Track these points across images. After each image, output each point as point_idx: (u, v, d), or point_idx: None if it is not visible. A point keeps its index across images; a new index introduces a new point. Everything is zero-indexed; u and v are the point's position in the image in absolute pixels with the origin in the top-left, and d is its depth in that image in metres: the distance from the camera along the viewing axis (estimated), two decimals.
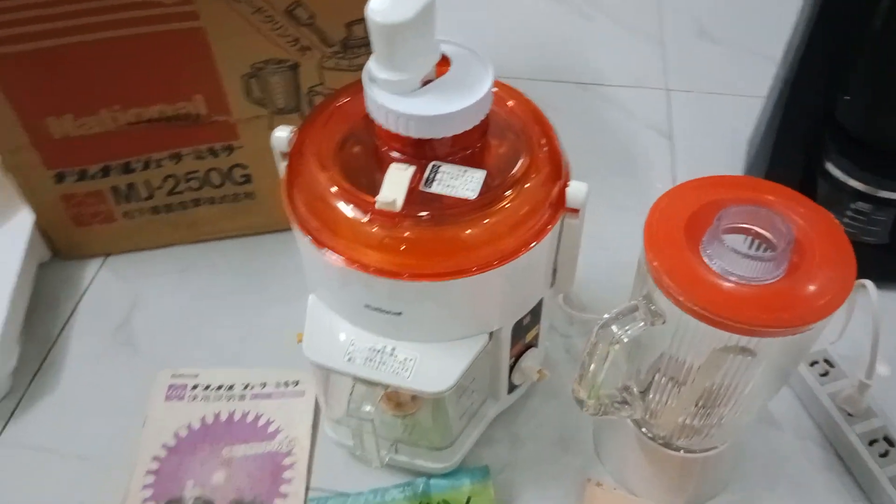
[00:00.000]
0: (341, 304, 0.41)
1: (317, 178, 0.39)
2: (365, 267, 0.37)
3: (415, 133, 0.37)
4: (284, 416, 0.51)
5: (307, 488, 0.48)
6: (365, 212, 0.37)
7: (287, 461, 0.49)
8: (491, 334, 0.42)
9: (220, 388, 0.53)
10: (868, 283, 0.42)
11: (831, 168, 0.54)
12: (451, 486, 0.47)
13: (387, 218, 0.36)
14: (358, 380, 0.40)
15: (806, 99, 0.55)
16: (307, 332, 0.42)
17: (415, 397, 0.46)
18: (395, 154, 0.39)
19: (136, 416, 0.52)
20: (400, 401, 0.46)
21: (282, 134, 0.42)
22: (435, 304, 0.38)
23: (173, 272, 0.61)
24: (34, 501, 0.48)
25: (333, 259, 0.38)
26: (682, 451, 0.43)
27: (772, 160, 0.58)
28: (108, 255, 0.62)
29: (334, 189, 0.38)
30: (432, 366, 0.40)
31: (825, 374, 0.49)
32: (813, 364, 0.50)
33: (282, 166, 0.42)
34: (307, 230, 0.39)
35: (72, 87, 0.51)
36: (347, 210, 0.37)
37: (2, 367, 0.53)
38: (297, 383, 0.53)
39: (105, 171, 0.57)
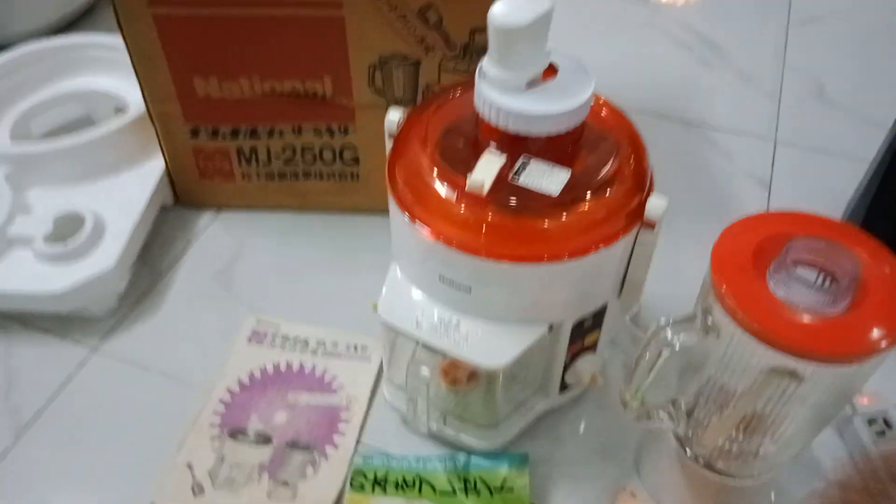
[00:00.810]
0: (419, 275, 0.45)
1: (418, 157, 0.43)
2: (448, 241, 0.41)
3: (512, 127, 0.40)
4: (348, 376, 0.56)
5: (357, 442, 0.52)
6: (455, 192, 0.41)
7: (344, 415, 0.53)
8: (551, 327, 0.44)
9: (296, 340, 0.58)
10: None
11: None
12: (490, 466, 0.50)
13: (473, 199, 0.40)
14: (421, 344, 0.44)
15: None
16: (385, 296, 0.46)
17: (470, 376, 0.49)
18: (491, 147, 0.42)
19: (219, 351, 0.57)
20: (456, 376, 0.49)
21: (394, 116, 0.47)
22: (503, 284, 0.42)
23: (275, 233, 0.67)
24: (119, 406, 0.54)
25: (421, 231, 0.41)
26: (720, 476, 0.44)
27: (864, 223, 0.58)
28: (221, 208, 0.69)
29: (431, 169, 0.42)
30: (491, 343, 0.43)
31: (881, 434, 0.49)
32: (871, 422, 0.50)
33: (389, 145, 0.47)
34: (402, 204, 0.43)
35: (221, 53, 0.58)
36: (440, 188, 0.41)
37: (113, 288, 0.59)
38: (364, 348, 0.58)
39: (234, 133, 0.63)
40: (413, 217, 0.42)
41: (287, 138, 0.63)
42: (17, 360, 0.56)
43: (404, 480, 0.50)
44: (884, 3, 0.97)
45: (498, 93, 0.40)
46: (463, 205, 0.41)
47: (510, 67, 0.40)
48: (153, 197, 0.64)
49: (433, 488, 0.49)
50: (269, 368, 0.56)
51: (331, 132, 0.63)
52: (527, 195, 0.40)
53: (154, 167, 0.66)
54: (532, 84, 0.41)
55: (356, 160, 0.65)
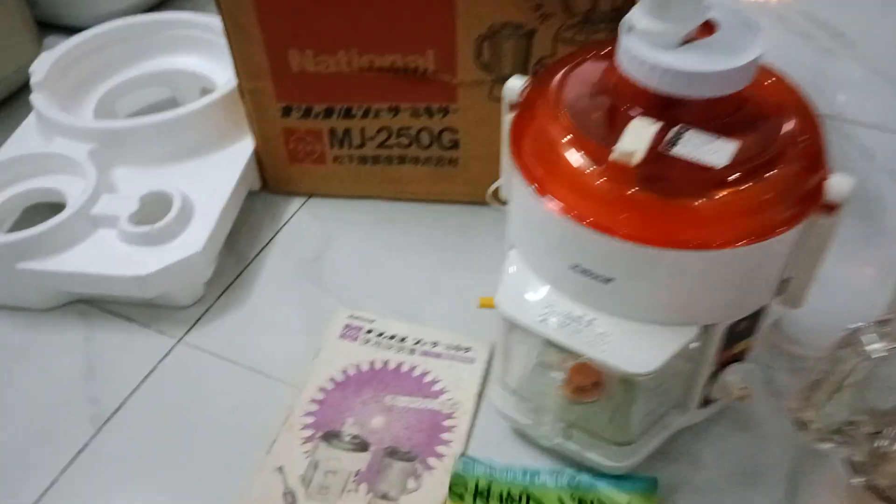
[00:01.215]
0: (545, 264, 0.39)
1: (549, 125, 0.37)
2: (584, 220, 0.35)
3: (669, 88, 0.34)
4: (451, 379, 0.50)
5: (463, 454, 0.46)
6: (597, 162, 0.35)
7: (447, 423, 0.48)
8: (703, 328, 0.38)
9: (392, 337, 0.53)
10: None
11: None
12: (610, 487, 0.43)
13: (619, 171, 0.34)
14: (549, 345, 0.38)
15: None
16: (503, 287, 0.40)
17: (596, 384, 0.42)
18: (636, 113, 0.36)
19: (310, 346, 0.52)
20: (581, 385, 0.42)
21: (515, 83, 0.41)
22: (649, 274, 0.35)
23: (367, 222, 0.62)
24: (204, 401, 0.50)
25: (553, 209, 0.36)
26: None
27: None
28: (310, 195, 0.64)
29: (566, 136, 0.36)
30: (634, 345, 0.36)
31: None
32: None
33: (507, 118, 0.41)
34: (530, 176, 0.37)
35: (319, 24, 0.53)
36: (577, 159, 0.36)
37: (200, 274, 0.56)
38: (468, 349, 0.52)
39: (328, 113, 0.59)
40: (542, 190, 0.36)
41: (383, 119, 0.59)
42: (98, 347, 0.53)
43: (509, 494, 0.44)
44: None
45: (651, 49, 0.34)
46: (605, 177, 0.35)
47: (665, 18, 0.34)
48: (241, 180, 0.60)
49: None
50: (364, 367, 0.51)
51: (429, 113, 0.58)
52: (681, 169, 0.34)
53: (242, 150, 0.62)
54: (687, 41, 0.35)
55: (455, 144, 0.60)
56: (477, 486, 0.45)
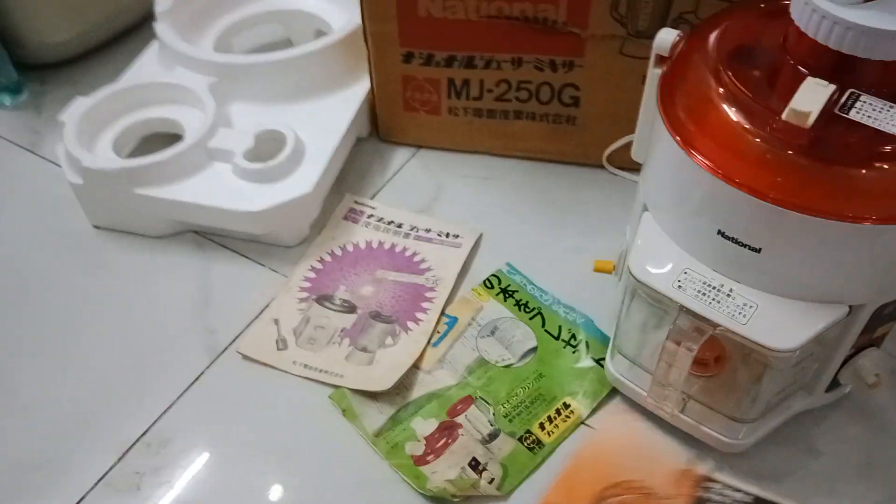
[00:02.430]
0: (685, 228, 0.37)
1: (705, 81, 0.35)
2: (735, 179, 0.33)
3: (848, 47, 0.32)
4: (438, 259, 0.54)
5: (437, 321, 0.50)
6: (758, 121, 0.33)
7: (429, 294, 0.52)
8: (851, 308, 0.35)
9: (391, 223, 0.57)
10: None
11: None
12: (600, 339, 0.49)
13: (791, 131, 0.32)
14: (683, 313, 0.36)
15: None
16: (636, 250, 0.39)
17: (719, 359, 0.41)
18: (805, 73, 0.34)
19: None
20: (703, 357, 0.41)
21: (667, 36, 0.39)
22: (804, 246, 0.33)
23: (477, 177, 0.61)
24: None
25: (703, 166, 0.34)
26: None
27: None
28: (420, 146, 0.64)
29: (725, 90, 0.34)
30: (777, 320, 0.35)
31: None
32: None
33: (653, 73, 0.39)
34: (678, 130, 0.35)
35: None
36: (736, 116, 0.33)
37: (306, 217, 0.56)
38: (457, 236, 0.56)
39: (449, 61, 0.57)
40: (689, 146, 0.34)
41: (504, 71, 0.57)
42: (214, 279, 0.54)
43: (527, 304, 0.51)
44: None
45: (829, 3, 0.32)
46: (767, 138, 0.33)
47: None
48: (352, 125, 0.60)
49: (543, 323, 0.50)
50: (362, 245, 0.56)
51: (553, 67, 0.56)
52: (851, 136, 0.32)
53: (356, 93, 0.62)
54: None
55: (576, 102, 0.58)
56: (508, 286, 0.52)
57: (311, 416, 0.46)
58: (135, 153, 0.59)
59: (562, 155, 0.61)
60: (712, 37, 0.37)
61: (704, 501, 0.40)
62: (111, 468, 0.44)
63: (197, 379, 0.48)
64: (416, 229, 0.57)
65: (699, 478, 0.41)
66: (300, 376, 0.47)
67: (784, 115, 0.31)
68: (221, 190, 0.54)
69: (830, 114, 0.32)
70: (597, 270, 0.49)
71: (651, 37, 0.53)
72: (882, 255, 0.34)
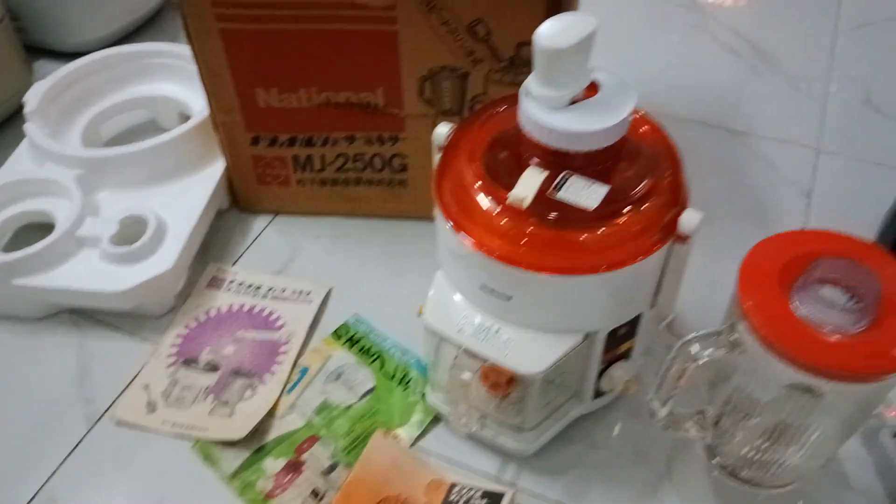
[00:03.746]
0: (462, 283, 0.47)
1: (464, 170, 0.45)
2: (489, 252, 0.43)
3: (555, 144, 0.42)
4: (291, 315, 0.63)
5: (291, 369, 0.59)
6: (498, 204, 0.43)
7: (283, 348, 0.60)
8: (586, 335, 0.46)
9: (250, 286, 0.65)
10: None
11: None
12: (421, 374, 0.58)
13: (515, 212, 0.42)
14: (463, 350, 0.46)
15: None
16: (430, 302, 0.49)
17: (509, 381, 0.51)
18: (534, 161, 0.44)
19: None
20: (497, 381, 0.51)
21: (442, 130, 0.49)
22: (541, 295, 0.44)
23: (327, 237, 0.70)
24: None
25: (465, 242, 0.44)
26: (747, 486, 0.45)
27: None
28: (276, 213, 0.72)
29: (476, 182, 0.44)
30: (529, 350, 0.45)
31: None
32: None
33: (436, 158, 0.49)
34: (448, 214, 0.45)
35: (282, 66, 0.61)
36: (484, 201, 0.44)
37: (171, 288, 0.63)
38: (308, 293, 0.64)
39: (291, 142, 0.66)
40: (458, 227, 0.44)
41: (340, 146, 0.66)
42: (89, 352, 0.61)
43: (369, 350, 0.60)
44: None
45: (541, 110, 0.43)
46: (505, 217, 0.43)
47: (554, 86, 0.42)
48: (211, 200, 0.68)
49: (382, 365, 0.59)
50: (224, 308, 0.63)
51: (381, 141, 0.66)
52: (567, 208, 0.42)
53: (214, 171, 0.69)
54: (575, 101, 0.43)
55: (404, 168, 0.68)
56: (353, 336, 0.61)
57: (179, 467, 0.53)
58: (9, 244, 0.65)
59: (398, 212, 0.71)
60: (473, 130, 0.48)
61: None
62: None
63: (78, 444, 0.54)
64: (272, 290, 0.65)
65: (448, 485, 0.50)
66: (169, 433, 0.54)
67: (507, 200, 0.42)
68: (91, 273, 0.61)
69: (548, 195, 0.43)
70: (420, 314, 0.59)
71: (455, 115, 0.64)
72: (601, 295, 0.44)
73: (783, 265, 0.39)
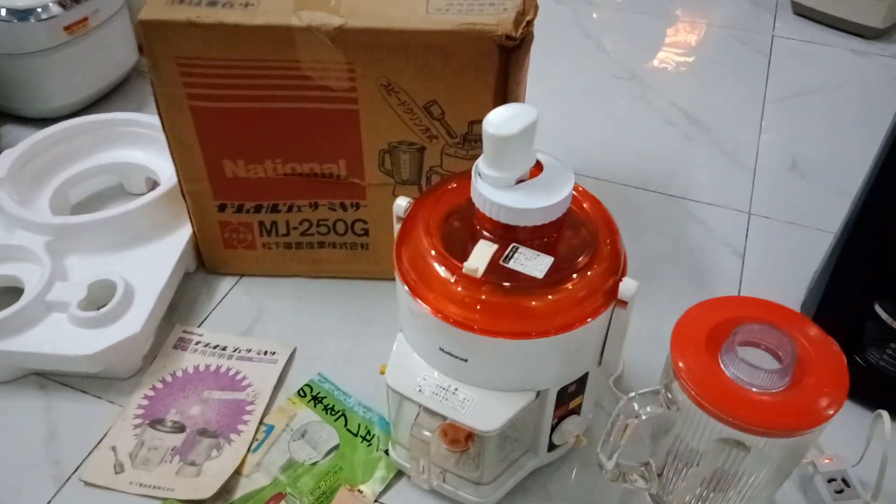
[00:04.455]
0: (421, 345, 0.51)
1: (421, 241, 0.49)
2: (446, 317, 0.46)
3: (503, 219, 0.47)
4: (256, 375, 0.65)
5: (257, 428, 0.61)
6: (453, 273, 0.47)
7: (249, 407, 0.62)
8: (538, 393, 0.50)
9: (216, 346, 0.67)
10: (885, 413, 0.47)
11: (879, 310, 0.59)
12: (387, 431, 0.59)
13: (469, 281, 0.46)
14: (423, 409, 0.49)
15: (864, 242, 0.61)
16: (391, 363, 0.52)
17: (467, 437, 0.54)
18: (486, 233, 0.48)
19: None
20: (456, 437, 0.54)
21: (402, 202, 0.53)
22: (495, 357, 0.47)
23: (292, 298, 0.73)
24: None
25: (423, 307, 0.47)
26: None
27: (825, 293, 0.64)
28: (242, 275, 0.75)
29: (433, 252, 0.48)
30: (485, 408, 0.48)
31: (840, 492, 0.54)
32: (830, 481, 0.54)
33: (396, 227, 0.53)
34: (406, 281, 0.49)
35: (249, 140, 0.64)
36: (440, 270, 0.47)
37: (137, 353, 0.65)
38: (274, 353, 0.67)
39: (257, 209, 0.70)
40: (416, 293, 0.48)
41: (304, 213, 0.70)
42: (56, 415, 0.62)
43: (333, 408, 0.62)
44: (854, 82, 1.04)
45: (491, 189, 0.47)
46: (459, 286, 0.47)
47: (501, 168, 0.47)
48: (178, 264, 0.70)
49: (346, 423, 0.61)
50: (190, 369, 0.65)
51: (344, 207, 0.69)
52: (516, 277, 0.46)
53: (181, 236, 0.72)
54: (521, 181, 0.48)
55: (366, 232, 0.71)
56: (318, 394, 0.63)
57: None
58: None
59: (361, 273, 0.74)
60: (430, 203, 0.52)
61: None
62: None
63: None
64: (238, 350, 0.67)
65: None
66: (136, 494, 0.56)
67: (463, 270, 0.46)
68: (59, 337, 0.62)
69: (499, 264, 0.47)
70: (382, 373, 0.62)
71: (414, 184, 0.68)
72: (551, 356, 0.48)
73: (711, 329, 0.43)
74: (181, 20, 0.57)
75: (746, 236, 0.80)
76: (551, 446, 0.55)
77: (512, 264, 0.47)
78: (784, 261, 0.77)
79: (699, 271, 0.76)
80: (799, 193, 0.86)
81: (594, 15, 1.18)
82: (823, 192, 0.86)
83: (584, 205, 0.52)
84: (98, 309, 0.63)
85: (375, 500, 0.56)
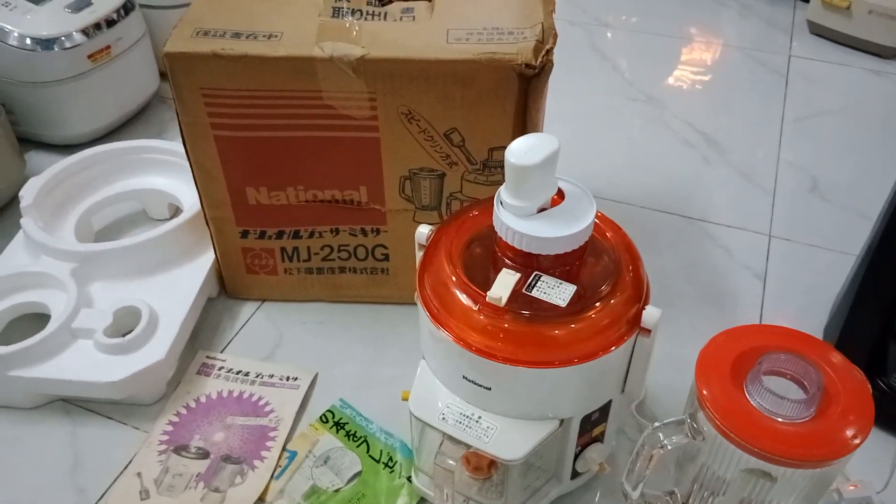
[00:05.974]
0: (444, 373, 0.51)
1: (444, 269, 0.50)
2: (469, 346, 0.47)
3: (526, 248, 0.47)
4: (279, 401, 0.65)
5: (280, 454, 0.61)
6: (476, 302, 0.47)
7: (272, 434, 0.63)
8: (562, 421, 0.50)
9: (238, 371, 0.68)
10: None
11: None
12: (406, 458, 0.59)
13: (492, 310, 0.46)
14: (447, 437, 0.49)
15: (888, 265, 0.60)
16: (414, 391, 0.52)
17: (490, 464, 0.54)
18: (508, 261, 0.49)
19: None
20: (479, 465, 0.54)
21: (424, 230, 0.53)
22: (519, 385, 0.47)
23: (313, 322, 0.73)
24: None
25: (446, 335, 0.48)
26: None
27: (849, 316, 0.64)
28: (264, 300, 0.75)
29: (455, 280, 0.48)
30: (509, 437, 0.48)
31: None
32: None
33: (419, 255, 0.54)
34: (429, 309, 0.49)
35: (272, 168, 0.65)
36: (463, 298, 0.48)
37: (162, 379, 0.66)
38: (296, 379, 0.67)
39: (279, 235, 0.70)
40: (438, 322, 0.48)
41: (326, 238, 0.70)
42: (82, 442, 0.62)
43: (355, 433, 0.63)
44: (872, 102, 1.04)
45: (513, 218, 0.47)
46: (483, 314, 0.47)
47: (523, 197, 0.47)
48: (202, 290, 0.71)
49: (368, 449, 0.61)
50: (213, 395, 0.66)
51: (364, 233, 0.70)
52: (539, 305, 0.46)
53: (204, 262, 0.73)
54: (543, 209, 0.48)
55: (386, 257, 0.72)
56: (340, 420, 0.63)
57: None
58: (3, 334, 0.68)
59: (381, 298, 0.74)
60: (452, 231, 0.52)
61: None
62: None
63: None
64: (260, 376, 0.67)
65: None
66: None
67: (486, 299, 0.46)
68: (85, 364, 0.63)
69: (522, 292, 0.47)
70: (404, 399, 0.62)
71: (434, 209, 0.69)
72: (575, 384, 0.48)
73: (735, 358, 0.43)
74: (206, 52, 0.58)
75: (767, 259, 0.80)
76: (574, 474, 0.55)
77: (535, 293, 0.47)
78: (806, 283, 0.77)
79: (719, 294, 0.76)
80: (820, 215, 0.86)
81: (609, 34, 1.19)
82: (845, 213, 0.86)
83: (607, 232, 0.52)
84: (123, 335, 0.64)
85: None
